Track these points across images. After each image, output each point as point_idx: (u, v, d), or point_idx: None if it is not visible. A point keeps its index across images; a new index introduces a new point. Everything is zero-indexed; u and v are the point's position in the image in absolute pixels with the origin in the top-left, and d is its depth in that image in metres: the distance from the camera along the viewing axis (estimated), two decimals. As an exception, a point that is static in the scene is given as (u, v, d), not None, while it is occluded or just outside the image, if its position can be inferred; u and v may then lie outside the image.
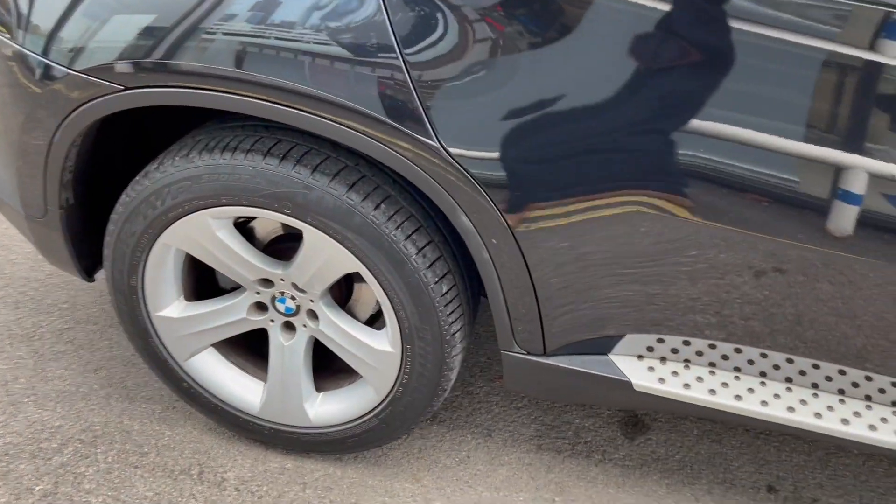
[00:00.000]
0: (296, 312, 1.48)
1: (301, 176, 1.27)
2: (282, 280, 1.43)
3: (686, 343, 1.36)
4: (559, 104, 1.13)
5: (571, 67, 1.11)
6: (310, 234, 1.32)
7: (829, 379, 1.33)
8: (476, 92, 1.14)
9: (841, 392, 1.33)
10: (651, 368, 1.36)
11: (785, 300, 1.23)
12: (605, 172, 1.16)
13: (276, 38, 1.17)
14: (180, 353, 1.56)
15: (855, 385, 1.32)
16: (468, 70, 1.13)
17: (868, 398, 1.32)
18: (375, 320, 1.57)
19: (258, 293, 1.47)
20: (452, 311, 1.36)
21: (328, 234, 1.30)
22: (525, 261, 1.25)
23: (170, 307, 1.51)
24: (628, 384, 1.35)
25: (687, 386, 1.34)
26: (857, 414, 1.31)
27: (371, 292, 1.51)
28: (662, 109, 1.11)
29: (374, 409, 1.50)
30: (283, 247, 1.52)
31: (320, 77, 1.18)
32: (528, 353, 1.38)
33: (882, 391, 1.31)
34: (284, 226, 1.50)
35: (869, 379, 1.31)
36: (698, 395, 1.33)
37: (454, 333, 1.38)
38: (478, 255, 1.27)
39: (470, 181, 1.18)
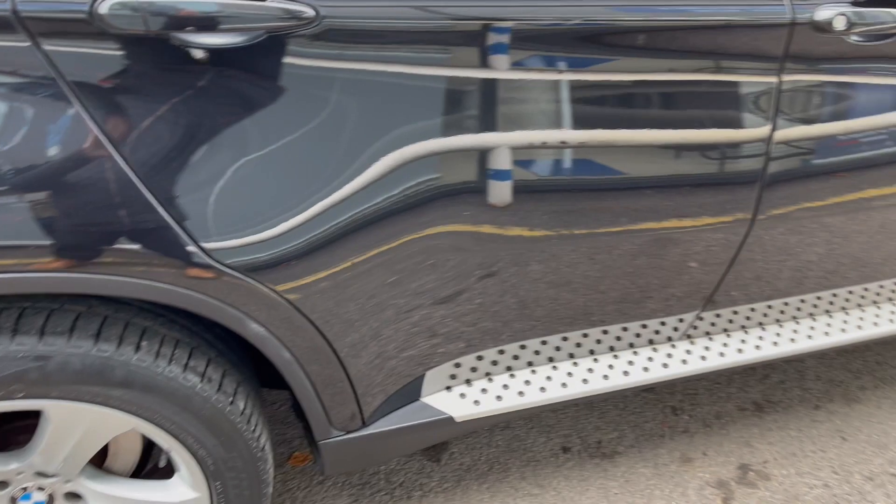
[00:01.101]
0: (49, 503, 1.17)
1: (26, 346, 0.99)
2: (20, 474, 1.12)
3: (479, 358, 1.40)
4: (306, 174, 1.05)
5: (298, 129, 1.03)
6: (58, 409, 1.05)
7: (598, 342, 1.48)
8: (229, 184, 1.00)
9: (612, 349, 1.50)
10: (463, 395, 1.38)
11: (546, 286, 1.33)
12: (368, 218, 1.11)
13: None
14: None
15: (618, 338, 1.49)
16: (213, 160, 0.99)
17: (632, 346, 1.51)
18: (143, 467, 1.33)
19: (-12, 501, 1.13)
20: (255, 425, 1.21)
21: (85, 402, 1.05)
22: (328, 341, 1.15)
23: None
24: (450, 419, 1.35)
25: (499, 398, 1.39)
26: (630, 363, 1.49)
27: (130, 437, 1.27)
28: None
29: (190, 566, 1.27)
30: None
31: (16, 222, 0.92)
32: (348, 432, 1.29)
33: (638, 335, 1.51)
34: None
35: (625, 329, 1.49)
36: (512, 402, 1.38)
37: (262, 446, 1.23)
38: (278, 357, 1.13)
39: (252, 283, 1.05)
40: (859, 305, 1.67)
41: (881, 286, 1.65)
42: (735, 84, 1.18)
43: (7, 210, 0.91)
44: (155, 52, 0.91)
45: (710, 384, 1.99)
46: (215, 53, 0.94)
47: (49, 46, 0.87)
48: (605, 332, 1.47)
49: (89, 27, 0.87)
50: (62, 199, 0.92)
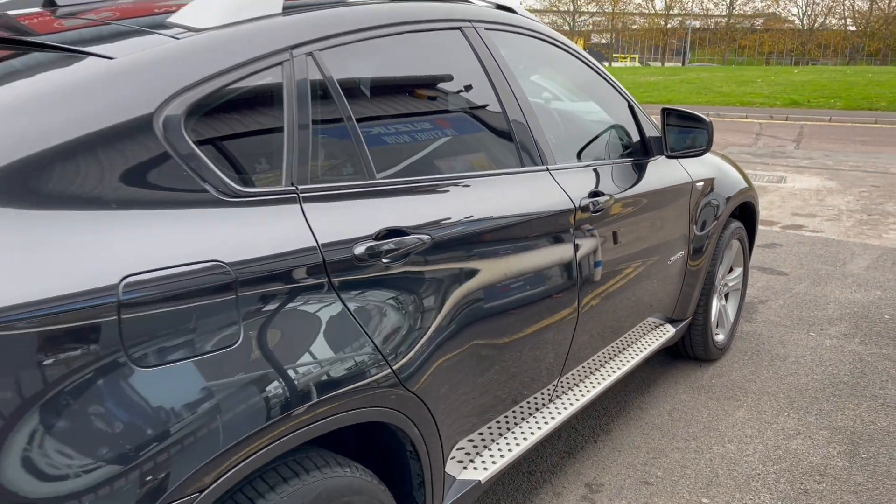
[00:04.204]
0: None
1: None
2: None
3: (480, 433, 2.12)
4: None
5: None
6: None
7: (529, 405, 2.33)
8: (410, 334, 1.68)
9: (537, 409, 2.36)
10: (475, 468, 2.08)
11: (504, 376, 2.14)
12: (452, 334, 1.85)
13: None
14: None
15: (536, 400, 2.36)
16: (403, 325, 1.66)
17: (544, 405, 2.40)
18: None
19: None
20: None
21: None
22: (438, 425, 1.81)
23: None
24: (479, 483, 2.03)
25: (510, 451, 2.14)
26: (549, 412, 2.39)
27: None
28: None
29: None
30: None
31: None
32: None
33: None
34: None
35: (536, 397, 2.37)
36: (506, 458, 2.13)
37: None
38: (420, 448, 1.75)
39: (411, 395, 1.69)
40: (625, 347, 2.88)
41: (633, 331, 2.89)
42: (557, 238, 2.24)
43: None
44: (371, 268, 1.60)
45: (535, 448, 2.93)
46: (390, 268, 1.66)
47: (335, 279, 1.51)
48: (534, 398, 2.33)
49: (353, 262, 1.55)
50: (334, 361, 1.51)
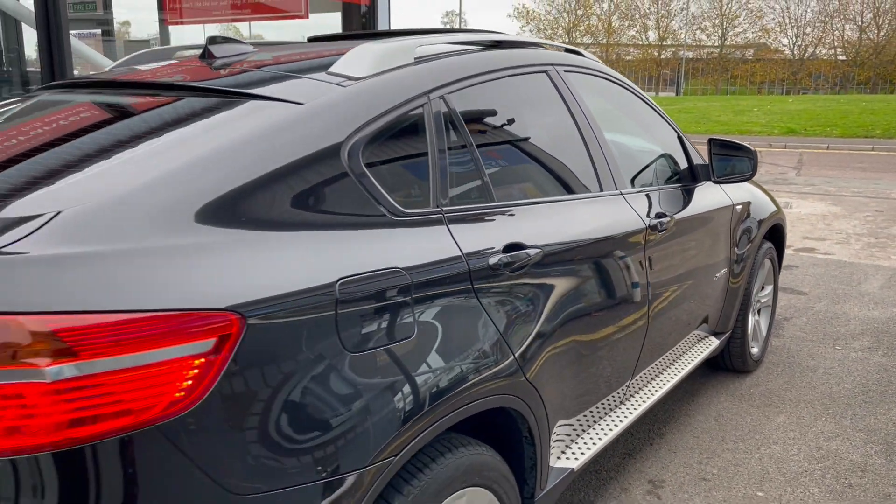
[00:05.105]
0: None
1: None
2: None
3: (572, 423, 2.38)
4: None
5: None
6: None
7: (613, 399, 2.59)
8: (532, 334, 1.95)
9: (618, 405, 2.63)
10: (567, 458, 2.33)
11: (588, 375, 2.42)
12: (563, 327, 2.15)
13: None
14: None
15: (618, 396, 2.63)
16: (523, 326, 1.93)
17: (622, 402, 2.66)
18: None
19: None
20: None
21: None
22: (547, 413, 2.07)
23: None
24: (572, 471, 2.29)
25: (594, 444, 2.39)
26: (628, 407, 2.65)
27: None
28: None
29: None
30: None
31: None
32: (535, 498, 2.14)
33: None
34: None
35: (617, 392, 2.63)
36: (594, 448, 2.39)
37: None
38: (535, 432, 2.01)
39: (529, 384, 1.96)
40: (681, 354, 3.15)
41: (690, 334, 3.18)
42: (633, 253, 2.54)
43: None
44: (501, 275, 1.88)
45: (602, 452, 3.17)
46: (513, 276, 1.94)
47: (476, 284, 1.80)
48: (612, 396, 2.60)
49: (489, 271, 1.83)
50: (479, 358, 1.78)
